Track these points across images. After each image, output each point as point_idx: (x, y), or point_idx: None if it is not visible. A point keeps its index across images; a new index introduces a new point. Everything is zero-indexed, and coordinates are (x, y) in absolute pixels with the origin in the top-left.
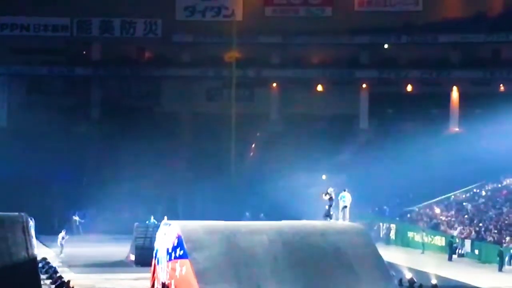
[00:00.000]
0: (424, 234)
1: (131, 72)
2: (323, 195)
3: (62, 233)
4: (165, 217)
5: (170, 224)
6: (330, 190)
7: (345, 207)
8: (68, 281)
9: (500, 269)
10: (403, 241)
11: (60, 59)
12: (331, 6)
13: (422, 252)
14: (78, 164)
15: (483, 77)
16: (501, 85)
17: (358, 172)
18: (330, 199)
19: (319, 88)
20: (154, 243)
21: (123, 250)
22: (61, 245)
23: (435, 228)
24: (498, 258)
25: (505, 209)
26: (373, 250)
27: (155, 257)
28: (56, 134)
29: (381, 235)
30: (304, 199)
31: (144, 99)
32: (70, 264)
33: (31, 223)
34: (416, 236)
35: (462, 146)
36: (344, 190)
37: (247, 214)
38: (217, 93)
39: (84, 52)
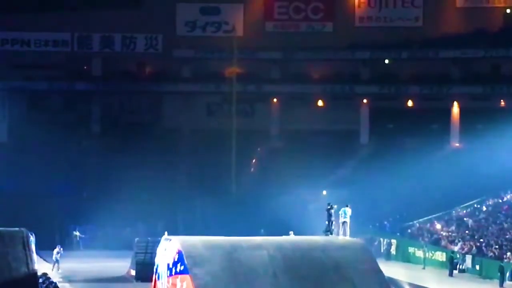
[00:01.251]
0: (425, 249)
1: (132, 87)
2: (326, 210)
3: (57, 249)
4: (166, 233)
5: (170, 240)
6: (331, 205)
7: (345, 222)
8: None
9: (501, 285)
10: (403, 257)
11: (61, 74)
12: (331, 22)
13: (423, 268)
14: (78, 179)
15: (483, 93)
16: (501, 100)
17: (359, 188)
18: (330, 214)
19: (320, 103)
20: (154, 258)
21: (123, 265)
22: (56, 260)
23: (436, 243)
24: (499, 274)
25: (506, 225)
26: (373, 265)
27: (156, 272)
28: (56, 149)
29: (382, 251)
30: (305, 214)
31: (145, 114)
32: (71, 280)
33: (32, 238)
34: (417, 252)
35: (463, 162)
36: (347, 206)
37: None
38: (217, 108)
39: (85, 68)
